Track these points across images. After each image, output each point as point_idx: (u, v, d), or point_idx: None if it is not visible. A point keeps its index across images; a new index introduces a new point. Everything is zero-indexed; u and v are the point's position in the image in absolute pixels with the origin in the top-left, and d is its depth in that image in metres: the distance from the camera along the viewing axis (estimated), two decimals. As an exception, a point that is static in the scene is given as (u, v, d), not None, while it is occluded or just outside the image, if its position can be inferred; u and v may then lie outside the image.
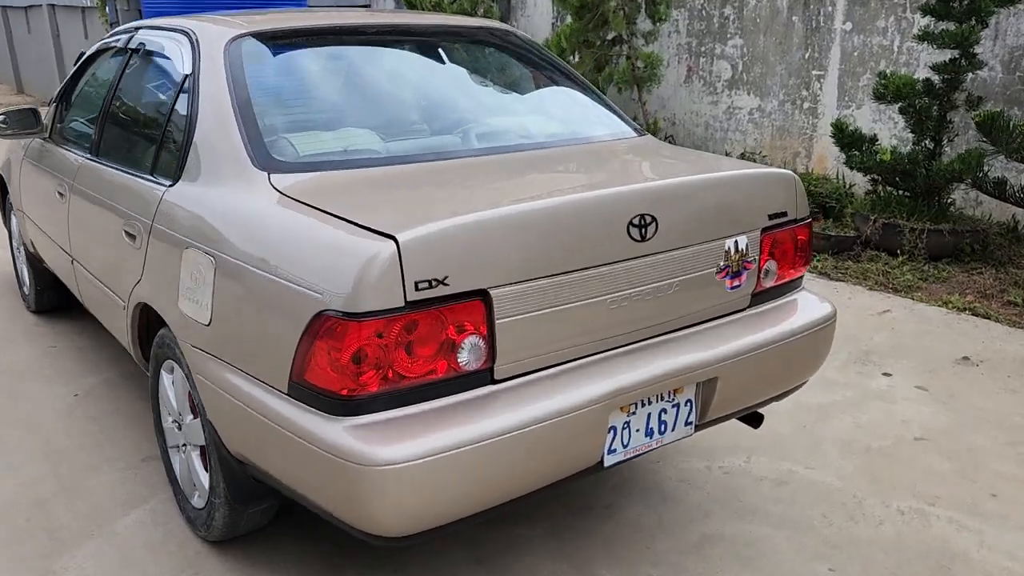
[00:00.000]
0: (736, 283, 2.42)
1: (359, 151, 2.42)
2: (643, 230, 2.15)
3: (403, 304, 1.81)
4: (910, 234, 5.58)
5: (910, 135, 5.94)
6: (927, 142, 5.74)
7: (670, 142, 8.28)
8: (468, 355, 1.93)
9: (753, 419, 2.72)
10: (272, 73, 2.63)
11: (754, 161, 7.23)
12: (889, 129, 6.59)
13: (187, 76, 2.62)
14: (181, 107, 2.58)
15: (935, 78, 5.62)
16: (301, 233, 1.96)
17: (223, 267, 2.13)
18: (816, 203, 6.38)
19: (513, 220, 1.94)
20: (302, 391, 1.90)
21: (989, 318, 4.70)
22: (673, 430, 2.31)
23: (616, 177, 2.35)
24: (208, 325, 2.19)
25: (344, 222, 1.91)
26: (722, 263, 2.36)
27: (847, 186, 6.69)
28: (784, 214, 2.52)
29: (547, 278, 1.99)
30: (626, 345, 2.22)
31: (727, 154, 7.92)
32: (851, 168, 5.94)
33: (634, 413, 2.19)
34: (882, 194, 6.02)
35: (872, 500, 2.90)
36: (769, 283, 2.54)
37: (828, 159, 7.08)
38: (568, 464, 2.07)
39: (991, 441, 3.32)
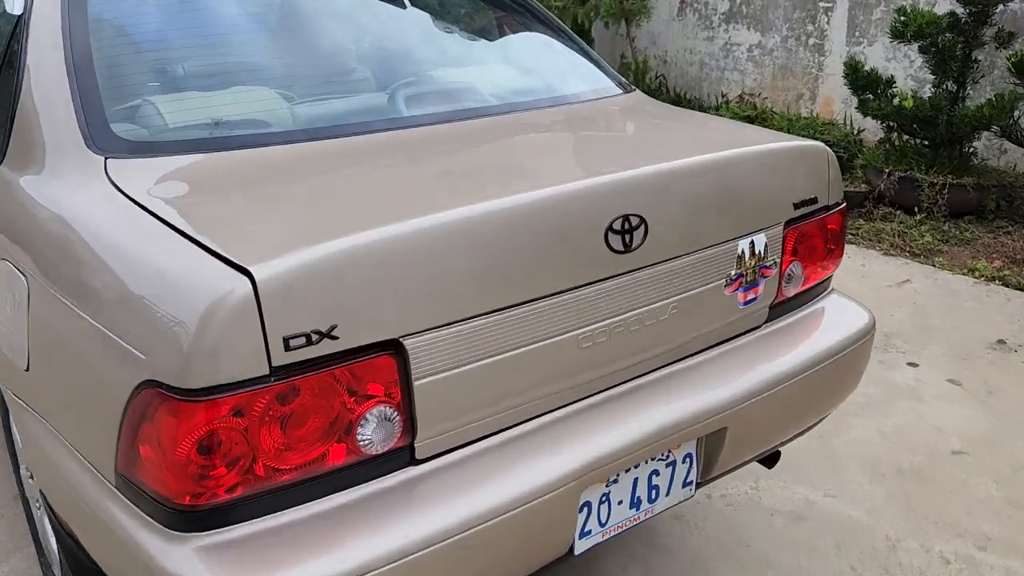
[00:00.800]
0: (751, 296, 1.82)
1: (245, 122, 1.78)
2: (627, 237, 1.54)
3: (267, 372, 1.21)
4: (929, 189, 4.97)
5: (928, 75, 5.29)
6: (949, 84, 5.09)
7: (661, 83, 7.59)
8: (375, 432, 1.34)
9: (768, 459, 2.15)
10: (130, 11, 1.96)
11: (752, 104, 6.58)
12: (904, 69, 5.92)
13: (19, 19, 1.95)
14: (10, 63, 1.92)
15: (960, 11, 4.94)
16: (126, 257, 1.34)
17: (38, 294, 1.52)
18: (822, 152, 5.75)
19: (439, 236, 1.33)
20: (132, 489, 1.31)
21: (1023, 289, 4.14)
22: (668, 495, 1.74)
23: (591, 160, 1.72)
24: (27, 370, 1.59)
25: (188, 242, 1.29)
26: (733, 272, 1.76)
27: (856, 132, 6.05)
28: (813, 200, 1.92)
29: (490, 315, 1.40)
30: (605, 390, 1.63)
31: (723, 98, 7.24)
32: (865, 115, 5.30)
33: (616, 481, 1.62)
34: (897, 143, 5.40)
35: (910, 542, 2.36)
36: (793, 290, 1.94)
37: (835, 102, 6.42)
38: (523, 563, 1.50)
39: (1044, 455, 2.79)
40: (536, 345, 1.46)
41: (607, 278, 1.54)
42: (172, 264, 1.26)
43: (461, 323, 1.36)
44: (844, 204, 2.03)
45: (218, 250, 1.24)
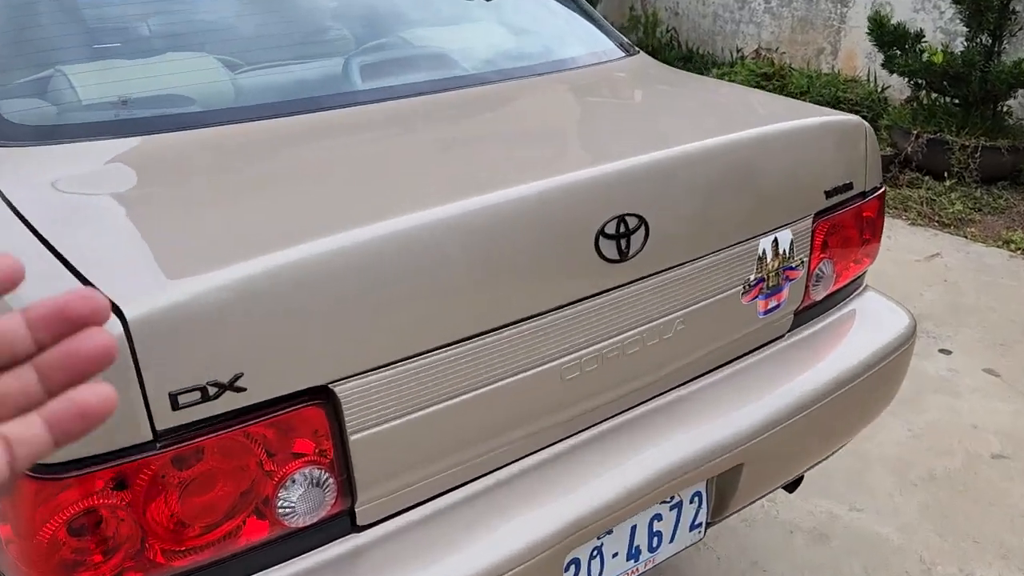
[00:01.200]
0: (773, 304, 1.53)
1: (174, 99, 1.48)
2: (623, 242, 1.25)
3: (151, 437, 0.94)
4: (960, 152, 4.62)
5: (960, 28, 4.90)
6: (983, 37, 4.70)
7: (672, 38, 7.18)
8: (303, 498, 1.07)
9: (789, 485, 1.88)
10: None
11: (769, 60, 6.19)
12: (933, 20, 5.52)
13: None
14: None
15: (999, -44, 4.54)
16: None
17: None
18: (844, 111, 5.38)
19: (379, 252, 1.04)
20: (-1, 577, 1.05)
21: (1063, 264, 3.82)
22: (672, 541, 1.47)
23: (579, 146, 1.41)
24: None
25: (60, 265, 1.01)
26: (752, 277, 1.47)
27: (880, 90, 5.68)
28: (848, 186, 1.61)
29: (446, 349, 1.11)
30: (596, 426, 1.36)
31: (738, 52, 6.84)
32: (891, 72, 4.92)
33: (610, 532, 1.35)
34: (926, 102, 5.02)
35: (947, 567, 2.10)
36: (822, 292, 1.65)
37: (858, 57, 6.02)
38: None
39: (1095, 459, 2.51)
40: (507, 381, 1.18)
41: (599, 293, 1.26)
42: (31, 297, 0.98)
43: (408, 361, 1.08)
44: (883, 188, 1.72)
45: (90, 278, 0.96)
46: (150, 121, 1.40)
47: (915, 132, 4.78)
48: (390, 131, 1.45)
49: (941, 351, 3.09)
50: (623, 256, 1.25)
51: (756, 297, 1.49)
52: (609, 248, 1.24)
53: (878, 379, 1.65)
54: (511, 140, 1.41)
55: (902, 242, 4.07)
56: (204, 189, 1.21)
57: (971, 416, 2.70)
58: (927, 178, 4.74)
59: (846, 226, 1.64)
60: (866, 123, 1.64)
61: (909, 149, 4.79)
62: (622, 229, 1.24)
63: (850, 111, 5.39)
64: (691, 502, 1.47)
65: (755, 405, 1.45)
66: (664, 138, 1.38)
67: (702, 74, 6.42)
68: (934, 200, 4.51)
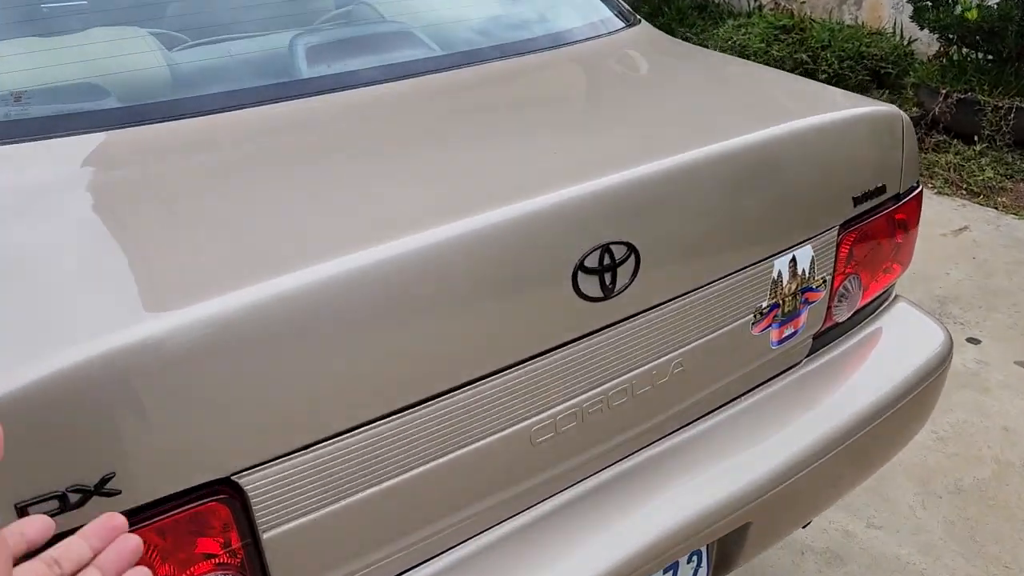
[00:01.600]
0: (789, 331, 1.31)
1: (78, 92, 1.25)
2: (608, 276, 1.03)
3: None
4: (992, 113, 4.32)
5: (997, -23, 4.55)
6: (1022, -11, 4.36)
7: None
8: (205, 608, 0.88)
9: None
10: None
11: (789, 11, 5.83)
12: (967, -32, 5.14)
13: None
14: None
15: (1043, -101, 4.18)
16: None
17: None
18: (867, 68, 5.07)
19: (293, 307, 0.83)
20: None
21: (1102, 239, 3.56)
22: (666, 605, 1.28)
23: (555, 155, 1.17)
24: None
25: None
26: (765, 304, 1.25)
27: (907, 43, 5.34)
28: (881, 190, 1.38)
29: (384, 422, 0.90)
30: (572, 487, 1.15)
31: (755, 3, 6.47)
32: (921, 26, 4.60)
33: (591, 605, 1.15)
34: (956, 58, 4.70)
35: (973, 597, 1.91)
36: (845, 313, 1.43)
37: (884, 7, 5.67)
38: None
39: None
40: (461, 453, 0.98)
41: (578, 339, 1.04)
42: None
43: (332, 441, 0.87)
44: (920, 188, 1.49)
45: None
46: (52, 122, 1.17)
47: (944, 91, 4.48)
48: (336, 132, 1.22)
49: (969, 340, 2.86)
50: (608, 293, 1.03)
51: (769, 326, 1.27)
52: (590, 285, 1.02)
53: (908, 410, 1.44)
54: (464, 153, 1.15)
55: (927, 214, 3.80)
56: (87, 227, 0.98)
57: (1002, 417, 2.49)
58: (956, 141, 4.45)
59: (876, 235, 1.41)
60: (904, 115, 1.40)
61: (937, 110, 4.49)
62: (606, 261, 1.02)
63: (874, 67, 5.10)
64: (688, 562, 1.27)
65: (764, 453, 1.24)
66: (660, 142, 1.15)
67: (716, 25, 6.07)
68: (963, 166, 4.22)
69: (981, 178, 4.09)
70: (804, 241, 1.27)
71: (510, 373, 0.98)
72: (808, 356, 1.41)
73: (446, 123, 1.24)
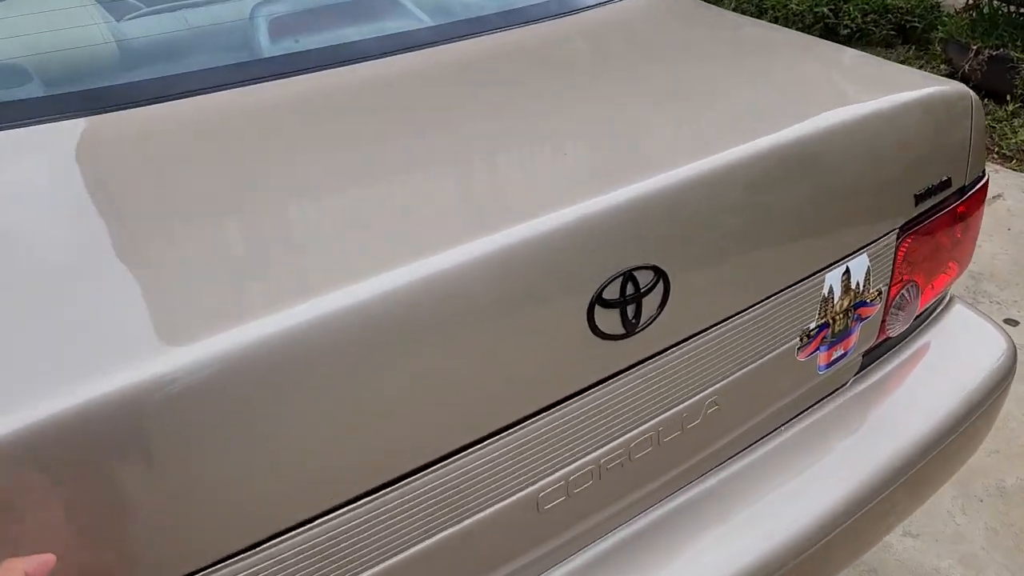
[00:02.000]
0: (839, 352, 1.12)
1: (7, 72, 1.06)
2: (630, 309, 0.84)
3: None
4: (1026, 70, 4.07)
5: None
6: (1061, -65, 4.08)
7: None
8: None
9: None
10: None
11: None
12: (1000, -86, 4.83)
13: None
14: None
15: None
16: None
17: None
18: (892, 22, 4.80)
19: (221, 367, 0.64)
20: None
21: None
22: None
23: (560, 159, 0.95)
24: None
25: None
26: (813, 325, 1.06)
27: (934, -5, 5.05)
28: (946, 183, 1.18)
29: (356, 506, 0.73)
30: (583, 551, 0.97)
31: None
32: (951, -24, 4.32)
33: None
34: (987, 12, 4.43)
35: (1021, 617, 1.75)
36: (901, 326, 1.24)
37: (909, -44, 5.35)
38: None
39: None
40: (449, 533, 0.80)
41: (594, 385, 0.85)
42: None
43: (283, 539, 0.70)
44: (986, 177, 1.29)
45: None
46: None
47: (974, 47, 4.22)
48: (295, 130, 1.01)
49: (1007, 321, 2.67)
50: (631, 329, 0.85)
51: (816, 350, 1.08)
52: (609, 321, 0.83)
53: (969, 430, 1.26)
54: (445, 163, 0.94)
55: (958, 180, 3.58)
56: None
57: (1045, 408, 2.31)
58: (987, 101, 4.20)
59: (938, 234, 1.21)
60: (973, 95, 1.19)
61: (967, 67, 4.24)
62: (629, 291, 0.83)
63: (899, 21, 4.82)
64: (719, 619, 1.10)
65: (805, 499, 1.07)
66: (693, 140, 0.95)
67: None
68: (994, 127, 3.98)
69: (1014, 141, 3.85)
70: (859, 250, 1.08)
71: (511, 434, 0.80)
72: (857, 373, 1.23)
73: (419, 118, 1.03)
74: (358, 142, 0.96)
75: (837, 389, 1.21)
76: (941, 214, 1.19)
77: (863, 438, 1.16)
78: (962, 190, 1.22)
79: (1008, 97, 4.13)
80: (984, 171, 1.28)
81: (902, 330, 1.24)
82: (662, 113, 1.05)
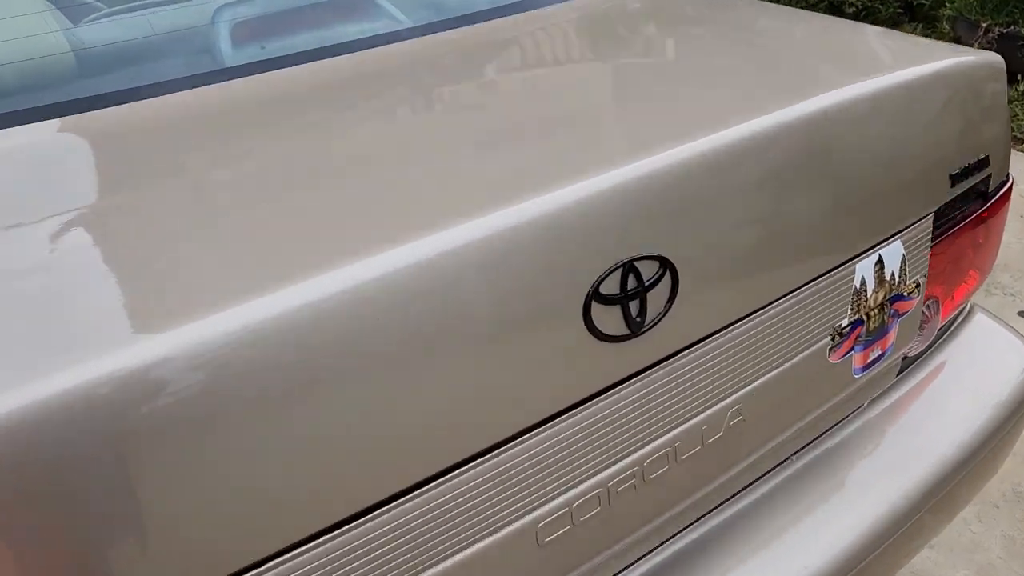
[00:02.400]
0: (876, 352, 1.01)
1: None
2: (633, 306, 0.72)
3: None
4: (1038, 49, 3.96)
5: None
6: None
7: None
8: None
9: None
10: None
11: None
12: None
13: None
14: None
15: None
16: None
17: None
18: (899, 1, 4.67)
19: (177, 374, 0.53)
20: None
21: None
22: None
23: (555, 145, 0.81)
24: None
25: None
26: (846, 321, 0.94)
27: (941, -28, 4.93)
28: (984, 163, 1.06)
29: (329, 538, 0.61)
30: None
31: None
32: (960, -47, 4.20)
33: None
34: (997, -12, 4.31)
35: (1050, 628, 1.64)
36: (936, 323, 1.12)
37: (914, -67, 5.22)
38: None
39: None
40: (432, 573, 0.68)
41: (596, 395, 0.74)
42: None
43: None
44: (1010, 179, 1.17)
45: None
46: None
47: (984, 24, 4.11)
48: (264, 130, 0.89)
49: (1020, 314, 2.55)
50: (635, 329, 0.73)
51: (851, 350, 0.96)
52: (610, 319, 0.71)
53: (999, 446, 1.15)
54: (448, 145, 0.81)
55: (968, 163, 3.46)
56: None
57: (1068, 401, 2.19)
58: (996, 82, 4.09)
59: (972, 222, 1.10)
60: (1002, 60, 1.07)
61: (976, 46, 4.11)
62: (631, 285, 0.71)
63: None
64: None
65: (838, 528, 0.95)
66: (701, 116, 0.83)
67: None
68: (1004, 109, 3.87)
69: (1026, 122, 3.74)
70: (893, 235, 0.96)
71: (501, 454, 0.69)
72: (897, 378, 1.11)
73: (408, 114, 0.92)
74: (339, 133, 0.84)
75: (878, 396, 1.09)
76: (979, 199, 1.07)
77: (905, 451, 1.05)
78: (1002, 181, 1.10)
79: (1019, 77, 4.02)
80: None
81: (937, 330, 1.12)
82: (674, 88, 0.93)
